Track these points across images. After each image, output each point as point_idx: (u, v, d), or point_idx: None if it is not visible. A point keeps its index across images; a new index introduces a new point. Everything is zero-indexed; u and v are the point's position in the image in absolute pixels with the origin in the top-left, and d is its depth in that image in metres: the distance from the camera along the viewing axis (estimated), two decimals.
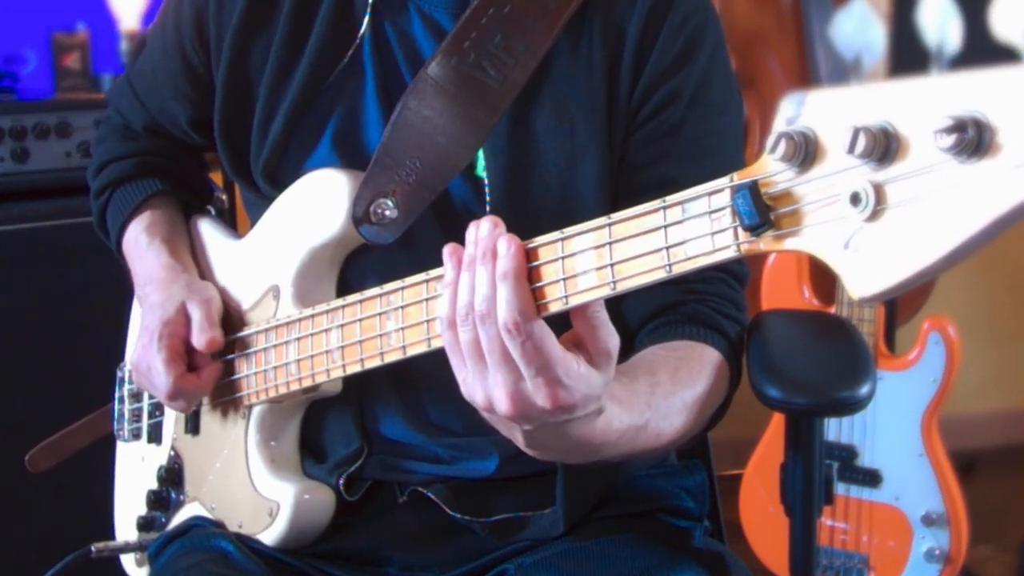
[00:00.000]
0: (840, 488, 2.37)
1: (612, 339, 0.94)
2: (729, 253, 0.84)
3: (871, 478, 2.36)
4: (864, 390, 1.17)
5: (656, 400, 1.08)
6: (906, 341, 2.43)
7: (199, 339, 1.27)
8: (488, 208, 1.20)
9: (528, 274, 0.93)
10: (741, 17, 2.83)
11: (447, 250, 0.96)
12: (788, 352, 1.28)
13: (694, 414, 1.13)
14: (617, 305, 0.99)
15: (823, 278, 2.43)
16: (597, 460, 1.06)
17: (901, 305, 2.60)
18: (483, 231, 0.94)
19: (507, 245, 0.93)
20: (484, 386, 0.94)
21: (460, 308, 0.94)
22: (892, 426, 2.34)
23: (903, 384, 2.33)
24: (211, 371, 1.29)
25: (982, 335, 3.28)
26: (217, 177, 1.84)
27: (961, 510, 2.31)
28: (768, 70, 2.82)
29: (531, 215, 1.20)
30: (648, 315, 1.22)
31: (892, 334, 2.49)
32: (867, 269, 0.74)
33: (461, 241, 1.21)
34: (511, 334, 0.91)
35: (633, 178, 1.22)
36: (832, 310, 2.36)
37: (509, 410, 0.93)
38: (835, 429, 2.39)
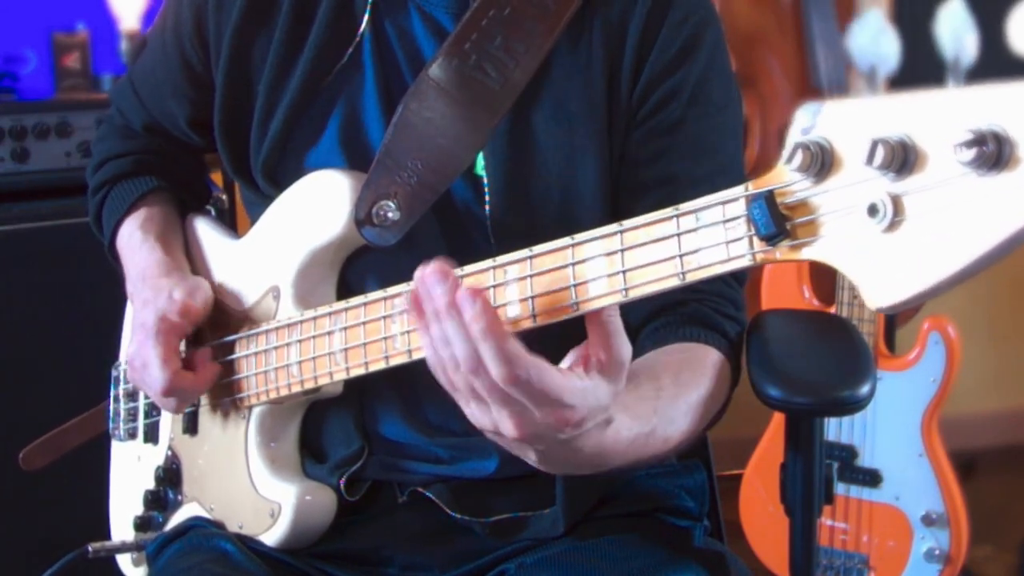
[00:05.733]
0: (840, 488, 2.37)
1: (626, 347, 0.92)
2: (744, 262, 0.84)
3: (871, 478, 2.36)
4: (864, 390, 1.17)
5: (661, 405, 1.06)
6: (906, 341, 2.43)
7: (170, 308, 1.25)
8: (488, 207, 1.20)
9: (535, 279, 0.92)
10: (741, 17, 2.82)
11: (407, 303, 0.93)
12: (788, 352, 1.28)
13: (698, 416, 1.12)
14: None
15: (823, 278, 2.43)
16: (609, 471, 1.05)
17: None
18: (432, 287, 0.89)
19: (471, 302, 0.87)
20: (489, 418, 0.93)
21: (445, 360, 0.91)
22: (892, 426, 2.34)
23: (903, 384, 2.33)
24: (208, 370, 1.28)
25: (982, 335, 3.28)
26: (217, 177, 1.84)
27: (961, 510, 2.31)
28: (768, 70, 2.82)
29: (530, 214, 1.20)
30: (649, 315, 1.22)
31: (892, 334, 2.49)
32: (885, 280, 0.75)
33: (460, 239, 1.22)
34: (508, 386, 0.89)
35: (633, 175, 1.22)
36: (832, 310, 2.36)
37: (519, 436, 0.92)
38: (835, 429, 2.39)
